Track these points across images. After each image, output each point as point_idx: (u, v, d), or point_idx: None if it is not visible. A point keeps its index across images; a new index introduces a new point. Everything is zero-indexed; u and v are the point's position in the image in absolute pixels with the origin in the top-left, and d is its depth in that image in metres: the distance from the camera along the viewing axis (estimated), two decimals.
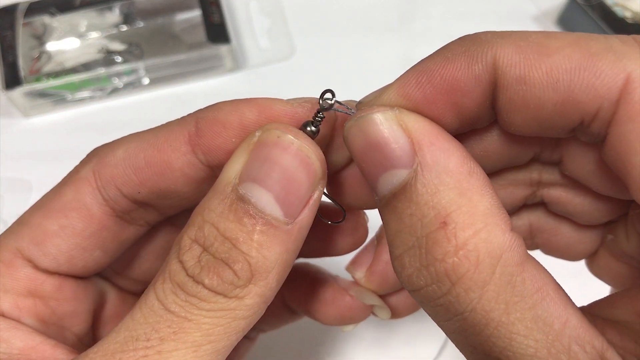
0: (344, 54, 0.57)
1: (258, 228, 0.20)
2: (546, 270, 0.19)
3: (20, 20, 0.54)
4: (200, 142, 0.23)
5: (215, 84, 0.55)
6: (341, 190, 0.25)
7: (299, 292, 0.31)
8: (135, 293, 0.30)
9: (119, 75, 0.53)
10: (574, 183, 0.25)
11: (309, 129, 0.22)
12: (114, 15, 0.55)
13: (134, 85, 0.54)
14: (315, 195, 0.21)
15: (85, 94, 0.54)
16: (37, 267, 0.25)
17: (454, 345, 0.21)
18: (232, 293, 0.20)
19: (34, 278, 0.25)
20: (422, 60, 0.21)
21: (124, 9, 0.55)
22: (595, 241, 0.27)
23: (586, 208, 0.25)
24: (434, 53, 0.21)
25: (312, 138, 0.22)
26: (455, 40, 0.21)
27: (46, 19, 0.54)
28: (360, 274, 0.29)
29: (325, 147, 0.24)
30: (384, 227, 0.21)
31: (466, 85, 0.20)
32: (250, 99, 0.23)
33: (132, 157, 0.24)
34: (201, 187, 0.24)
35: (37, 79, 0.51)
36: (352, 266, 0.30)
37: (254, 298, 0.21)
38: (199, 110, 0.24)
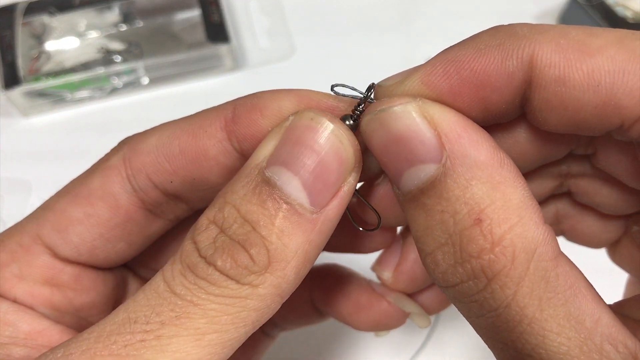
0: (344, 54, 0.57)
1: (281, 213, 0.19)
2: (576, 266, 0.19)
3: (19, 20, 0.54)
4: (236, 129, 0.22)
5: (215, 84, 0.55)
6: (375, 205, 0.24)
7: (329, 293, 0.30)
8: None
9: (118, 74, 0.53)
10: (602, 174, 0.24)
11: (347, 122, 0.21)
12: (113, 14, 0.55)
13: (133, 85, 0.54)
14: (346, 187, 0.20)
15: (84, 93, 0.53)
16: (56, 255, 0.24)
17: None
18: (245, 279, 0.19)
19: (52, 266, 0.24)
20: (450, 48, 0.20)
21: (123, 8, 0.55)
22: (618, 230, 0.27)
23: (613, 200, 0.24)
24: (464, 42, 0.20)
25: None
26: (488, 30, 0.20)
27: (45, 18, 0.54)
28: (387, 274, 0.28)
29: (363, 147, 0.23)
30: (410, 223, 0.20)
31: (497, 82, 0.19)
32: (291, 89, 0.22)
33: (165, 145, 0.23)
34: (229, 177, 0.23)
35: (37, 79, 0.51)
36: (378, 266, 0.29)
37: (268, 288, 0.19)
38: (237, 98, 0.23)
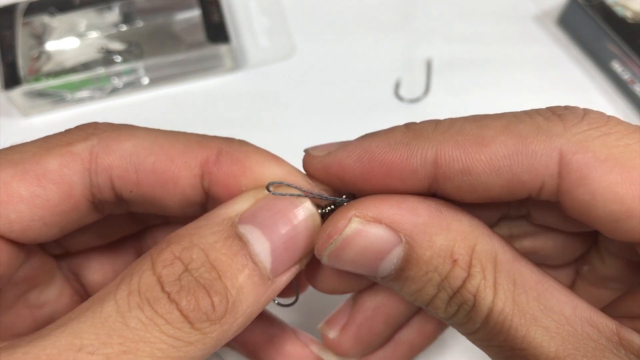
0: (344, 54, 0.57)
1: (247, 270, 0.20)
2: (540, 269, 0.21)
3: (19, 20, 0.54)
4: (215, 173, 0.23)
5: (215, 84, 0.55)
6: (318, 277, 0.26)
7: (254, 340, 0.30)
8: (55, 255, 0.28)
9: (118, 74, 0.53)
10: (543, 230, 0.26)
11: (320, 211, 0.23)
12: (113, 14, 0.55)
13: (133, 85, 0.54)
14: (298, 266, 0.22)
15: (84, 93, 0.53)
16: None
17: None
18: (200, 324, 0.19)
19: None
20: (367, 137, 0.22)
21: (123, 8, 0.55)
22: (569, 277, 0.28)
23: (558, 249, 0.27)
24: (379, 133, 0.22)
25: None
26: (401, 127, 0.22)
27: (46, 18, 0.54)
28: (334, 334, 0.28)
29: None
30: (399, 293, 0.23)
31: (402, 175, 0.22)
32: (278, 158, 0.24)
33: (140, 157, 0.23)
34: (186, 209, 0.24)
35: (37, 79, 0.51)
36: (325, 325, 0.29)
37: (213, 340, 0.20)
38: (224, 139, 0.24)
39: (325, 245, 0.22)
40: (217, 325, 0.20)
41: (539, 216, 0.26)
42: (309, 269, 0.26)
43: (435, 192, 0.22)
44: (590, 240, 0.27)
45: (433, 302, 0.22)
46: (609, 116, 0.21)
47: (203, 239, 0.20)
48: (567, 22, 0.56)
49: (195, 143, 0.23)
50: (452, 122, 0.22)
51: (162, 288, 0.19)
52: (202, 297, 0.19)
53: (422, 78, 0.55)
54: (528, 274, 0.21)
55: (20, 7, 0.54)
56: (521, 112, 0.21)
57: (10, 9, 0.54)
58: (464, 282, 0.21)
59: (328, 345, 0.29)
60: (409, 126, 0.22)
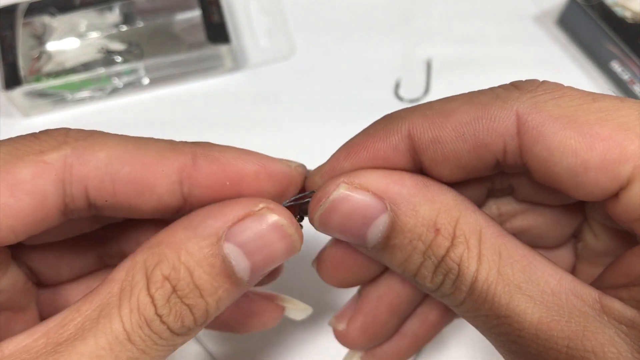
0: (344, 54, 0.57)
1: (226, 286, 0.22)
2: (527, 245, 0.23)
3: (20, 20, 0.54)
4: (194, 176, 0.23)
5: (215, 84, 0.55)
6: (326, 270, 0.28)
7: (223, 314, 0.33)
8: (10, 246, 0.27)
9: (118, 75, 0.53)
10: (531, 208, 0.28)
11: (298, 216, 0.25)
12: (113, 15, 0.55)
13: (133, 85, 0.54)
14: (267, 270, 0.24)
15: (85, 94, 0.54)
16: None
17: None
18: (185, 335, 0.22)
19: None
20: (349, 139, 0.25)
21: (123, 8, 0.55)
22: (568, 260, 0.29)
23: (549, 226, 0.28)
24: (362, 131, 0.25)
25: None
26: (379, 119, 0.25)
27: (46, 18, 0.54)
28: (342, 326, 0.30)
29: None
30: (388, 263, 0.24)
31: (386, 154, 0.23)
32: (253, 152, 0.25)
33: (115, 166, 0.23)
34: (163, 213, 0.24)
35: (37, 79, 0.51)
36: (334, 319, 0.31)
37: (194, 335, 0.23)
38: (195, 143, 0.24)
39: (315, 209, 0.24)
40: (198, 328, 0.23)
41: (521, 191, 0.27)
42: (320, 263, 0.28)
43: (420, 169, 0.24)
44: (580, 214, 0.27)
45: (420, 272, 0.23)
46: (565, 85, 0.22)
47: (190, 256, 0.22)
48: (567, 22, 0.57)
49: (169, 150, 0.23)
50: (423, 104, 0.24)
51: (156, 310, 0.21)
52: (186, 316, 0.22)
53: (422, 78, 0.55)
54: (513, 248, 0.22)
55: (21, 7, 0.54)
56: (484, 89, 0.23)
57: (10, 9, 0.54)
58: (448, 250, 0.22)
59: (337, 338, 0.30)
60: (385, 116, 0.25)
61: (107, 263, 0.30)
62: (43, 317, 0.30)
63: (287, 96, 0.55)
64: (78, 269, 0.30)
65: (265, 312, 0.33)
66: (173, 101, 0.54)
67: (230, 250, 0.22)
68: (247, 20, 0.59)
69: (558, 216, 0.27)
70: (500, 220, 0.28)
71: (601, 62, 0.54)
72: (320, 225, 0.24)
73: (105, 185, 0.23)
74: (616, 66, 0.53)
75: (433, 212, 0.22)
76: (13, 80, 0.51)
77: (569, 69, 0.56)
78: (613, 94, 0.22)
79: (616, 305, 0.20)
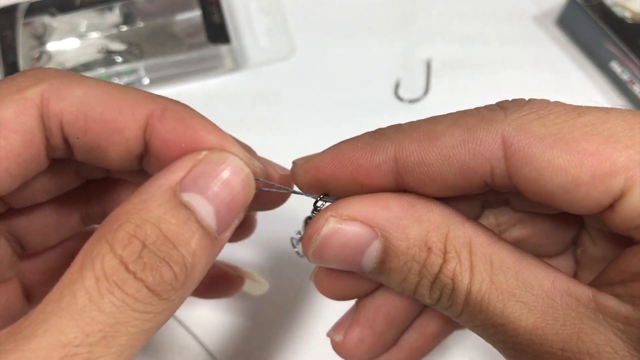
0: (344, 54, 0.57)
1: (197, 236, 0.22)
2: (521, 249, 0.23)
3: (20, 20, 0.54)
4: (158, 126, 0.24)
5: (216, 84, 0.55)
6: (324, 284, 0.28)
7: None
8: None
9: (119, 75, 0.53)
10: (528, 217, 0.28)
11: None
12: (114, 15, 0.55)
13: (134, 85, 0.54)
14: (237, 221, 0.24)
15: None
16: None
17: None
18: (166, 294, 0.21)
19: None
20: (340, 142, 0.25)
21: (124, 9, 0.55)
22: (569, 268, 0.29)
23: (548, 234, 0.28)
24: (350, 139, 0.25)
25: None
26: (370, 132, 0.25)
27: (46, 19, 0.54)
28: (339, 337, 0.30)
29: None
30: (387, 284, 0.25)
31: (368, 170, 0.24)
32: (220, 130, 0.25)
33: (90, 104, 0.23)
34: (126, 162, 0.25)
35: None
36: (332, 331, 0.31)
37: (179, 302, 0.21)
38: (172, 100, 0.25)
39: (308, 246, 0.24)
40: (181, 291, 0.21)
41: (516, 201, 0.27)
42: (317, 278, 0.28)
43: (404, 187, 0.24)
44: (578, 222, 0.27)
45: (418, 290, 0.23)
46: (551, 101, 0.22)
47: (152, 212, 0.21)
48: (567, 22, 0.57)
49: (144, 97, 0.24)
50: (412, 123, 0.24)
51: (127, 269, 0.20)
52: (165, 270, 0.20)
53: (422, 78, 0.55)
54: (505, 254, 0.22)
55: (21, 7, 0.54)
56: (471, 109, 0.23)
57: (11, 10, 0.54)
58: (441, 267, 0.22)
59: (335, 349, 0.30)
60: (376, 130, 0.25)
61: (90, 224, 0.31)
62: (26, 287, 0.30)
63: (287, 96, 0.55)
64: (63, 231, 0.30)
65: (227, 280, 0.35)
66: None
67: (190, 197, 0.22)
68: (247, 20, 0.59)
69: (556, 224, 0.27)
70: (498, 230, 0.28)
71: (601, 62, 0.54)
72: (315, 260, 0.25)
73: (79, 121, 0.23)
74: (616, 66, 0.53)
75: (422, 231, 0.23)
76: None
77: (569, 69, 0.56)
78: (599, 105, 0.22)
79: (611, 303, 0.20)
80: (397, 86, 0.54)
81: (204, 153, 0.23)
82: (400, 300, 0.28)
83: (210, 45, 0.53)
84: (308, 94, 0.54)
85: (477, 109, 0.23)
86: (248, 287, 0.36)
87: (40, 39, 0.53)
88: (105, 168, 0.26)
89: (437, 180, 0.23)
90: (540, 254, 0.28)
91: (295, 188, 0.27)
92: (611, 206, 0.21)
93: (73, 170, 0.28)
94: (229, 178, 0.23)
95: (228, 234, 0.23)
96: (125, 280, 0.20)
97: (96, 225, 0.30)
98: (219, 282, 0.35)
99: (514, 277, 0.22)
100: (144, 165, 0.25)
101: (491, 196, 0.27)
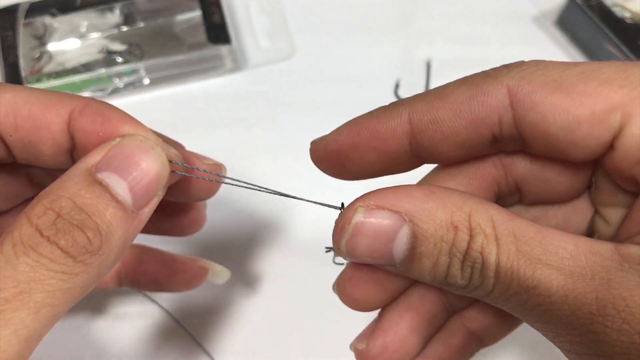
0: (344, 54, 0.57)
1: (111, 208, 0.23)
2: (538, 223, 0.24)
3: (21, 21, 0.54)
4: (79, 120, 0.26)
5: (216, 84, 0.56)
6: (348, 295, 0.28)
7: (153, 273, 0.38)
8: None
9: (119, 75, 0.53)
10: (542, 212, 0.29)
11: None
12: (114, 15, 0.55)
13: (134, 86, 0.54)
14: (156, 199, 0.26)
15: (86, 94, 0.54)
16: None
17: None
18: (81, 257, 0.22)
19: None
20: (354, 118, 0.27)
21: (124, 9, 0.55)
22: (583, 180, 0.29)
23: (563, 227, 0.28)
24: (368, 112, 0.27)
25: None
26: (385, 105, 0.27)
27: (47, 19, 0.54)
28: (362, 345, 0.30)
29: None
30: (417, 275, 0.25)
31: (385, 135, 0.26)
32: (139, 122, 0.27)
33: (19, 104, 0.26)
34: (58, 157, 0.27)
35: (38, 79, 0.52)
36: (355, 341, 0.31)
37: (96, 268, 0.23)
38: (94, 99, 0.27)
39: (340, 237, 0.25)
40: (97, 255, 0.23)
41: (528, 190, 0.28)
42: (340, 288, 0.28)
43: (419, 150, 0.26)
44: (590, 207, 0.28)
45: (450, 272, 0.24)
46: (549, 60, 0.24)
47: (68, 189, 0.23)
48: (566, 23, 0.57)
49: (67, 97, 0.27)
50: (422, 93, 0.26)
51: (41, 234, 0.22)
52: (77, 234, 0.22)
53: (422, 78, 0.55)
54: (526, 227, 0.23)
55: (22, 7, 0.54)
56: (480, 72, 0.25)
57: (11, 10, 0.54)
58: (469, 243, 0.23)
59: (358, 358, 0.30)
60: (390, 103, 0.27)
61: (37, 183, 0.34)
62: None
63: (287, 96, 0.55)
64: (14, 193, 0.33)
65: (189, 270, 0.38)
66: (173, 101, 0.54)
67: (104, 176, 0.24)
68: (248, 20, 0.59)
69: (569, 216, 0.28)
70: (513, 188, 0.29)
71: None
72: (349, 253, 0.25)
73: (9, 119, 0.26)
74: None
75: (447, 212, 0.24)
76: (14, 81, 0.51)
77: None
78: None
79: (633, 250, 0.22)
80: (397, 86, 0.54)
81: (118, 139, 0.26)
82: (423, 306, 0.29)
83: (211, 46, 0.53)
84: (308, 94, 0.55)
85: (482, 71, 0.25)
86: (210, 277, 0.39)
87: (41, 39, 0.54)
88: (44, 167, 0.29)
89: (449, 137, 0.25)
90: (555, 203, 0.29)
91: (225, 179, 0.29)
92: (612, 145, 0.23)
93: (24, 178, 0.32)
94: (141, 157, 0.25)
95: (147, 210, 0.25)
96: (39, 244, 0.22)
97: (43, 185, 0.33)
98: (181, 272, 0.38)
99: (538, 245, 0.23)
100: (75, 160, 0.28)
101: (503, 185, 0.28)
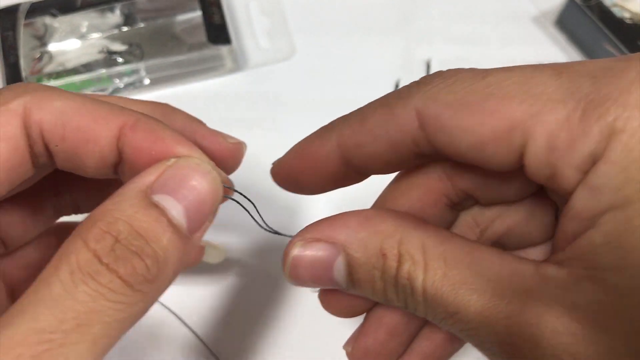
0: (344, 54, 0.57)
1: (168, 233, 0.23)
2: (473, 241, 0.25)
3: (21, 21, 0.54)
4: (130, 136, 0.25)
5: (216, 85, 0.56)
6: (329, 303, 0.29)
7: None
8: None
9: (119, 75, 0.53)
10: (504, 210, 0.28)
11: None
12: (114, 16, 0.55)
13: (134, 86, 0.54)
14: (207, 224, 0.25)
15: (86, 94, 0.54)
16: None
17: None
18: (139, 286, 0.21)
19: None
20: (299, 141, 0.28)
21: (124, 9, 0.55)
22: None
23: (529, 222, 0.28)
24: (311, 134, 0.28)
25: None
26: (318, 129, 0.27)
27: (47, 19, 0.54)
28: (348, 348, 0.31)
29: None
30: (367, 296, 0.26)
31: (320, 160, 0.26)
32: (191, 143, 0.26)
33: (68, 115, 0.25)
34: (102, 169, 0.26)
35: (39, 80, 0.52)
36: (346, 343, 0.32)
37: (151, 297, 0.22)
38: (144, 114, 0.26)
39: (284, 269, 0.26)
40: (154, 284, 0.22)
41: (479, 194, 0.28)
42: (321, 296, 0.29)
43: (355, 170, 0.26)
44: (551, 203, 0.28)
45: (388, 296, 0.25)
46: (463, 68, 0.24)
47: (124, 212, 0.22)
48: (566, 23, 0.57)
49: (117, 110, 0.26)
50: (352, 111, 0.26)
51: (100, 261, 0.21)
52: (137, 262, 0.21)
53: None
54: (458, 249, 0.24)
55: (22, 8, 0.54)
56: (393, 90, 0.26)
57: (12, 10, 0.54)
58: (397, 270, 0.24)
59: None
60: (323, 127, 0.27)
61: (62, 214, 0.33)
62: (8, 286, 0.31)
63: (287, 96, 0.55)
64: (39, 223, 0.32)
65: None
66: (174, 101, 0.54)
67: (160, 198, 0.23)
68: (248, 21, 0.59)
69: (532, 209, 0.28)
70: (480, 230, 0.29)
71: None
72: (292, 281, 0.27)
73: (57, 129, 0.25)
74: None
75: (378, 240, 0.24)
76: (15, 81, 0.51)
77: None
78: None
79: (550, 271, 0.21)
80: (397, 86, 0.55)
81: (172, 160, 0.25)
82: (397, 309, 0.29)
83: (211, 46, 0.53)
84: (308, 94, 0.55)
85: (398, 89, 0.25)
86: (206, 257, 0.38)
87: (42, 39, 0.54)
88: (83, 175, 0.27)
89: (375, 158, 0.25)
90: (529, 244, 0.29)
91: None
92: (522, 162, 0.22)
93: (51, 210, 0.31)
94: (197, 180, 0.24)
95: (199, 234, 0.25)
96: (98, 271, 0.21)
97: (68, 217, 0.33)
98: None
99: (467, 268, 0.23)
100: (119, 174, 0.27)
101: (452, 195, 0.28)
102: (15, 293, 0.32)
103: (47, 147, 0.26)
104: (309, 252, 0.25)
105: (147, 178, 0.24)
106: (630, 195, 0.19)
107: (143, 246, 0.22)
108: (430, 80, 0.24)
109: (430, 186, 0.28)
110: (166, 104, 0.32)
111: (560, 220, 0.23)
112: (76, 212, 0.34)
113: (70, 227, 0.33)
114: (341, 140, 0.26)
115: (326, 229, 0.26)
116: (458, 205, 0.29)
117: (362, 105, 0.27)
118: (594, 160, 0.20)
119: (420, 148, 0.24)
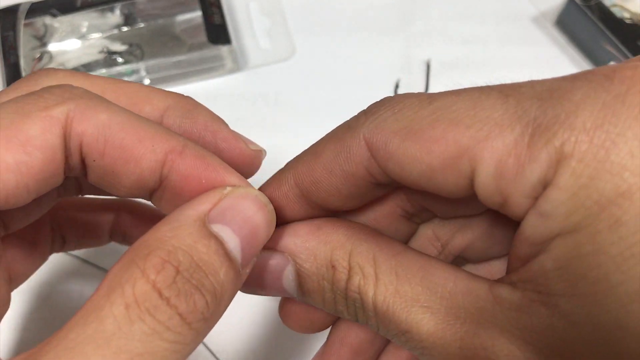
0: (344, 54, 0.57)
1: (225, 267, 0.21)
2: (424, 253, 0.24)
3: (21, 21, 0.54)
4: (178, 162, 0.24)
5: (216, 85, 0.56)
6: (289, 319, 0.29)
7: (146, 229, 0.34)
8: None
9: (120, 75, 0.54)
10: (465, 223, 0.28)
11: None
12: (115, 16, 0.55)
13: None
14: (256, 258, 0.24)
15: None
16: None
17: None
18: (197, 324, 0.20)
19: None
20: (268, 179, 0.27)
21: (124, 9, 0.55)
22: None
23: (491, 234, 0.27)
24: (269, 179, 0.27)
25: None
26: (278, 170, 0.27)
27: (47, 19, 0.54)
28: None
29: None
30: (319, 307, 0.26)
31: (282, 201, 0.25)
32: (233, 171, 0.25)
33: (112, 130, 0.23)
34: (135, 191, 0.25)
35: None
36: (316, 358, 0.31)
37: (204, 333, 0.21)
38: (187, 139, 0.25)
39: None
40: (210, 322, 0.21)
41: (439, 210, 0.27)
42: (280, 311, 0.29)
43: (318, 206, 0.25)
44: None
45: (338, 308, 0.24)
46: (411, 93, 0.23)
47: (183, 240, 0.21)
48: (565, 23, 0.57)
49: (165, 132, 0.24)
50: (307, 148, 0.26)
51: (160, 295, 0.19)
52: (198, 298, 0.20)
53: (422, 79, 0.55)
54: (410, 262, 0.23)
55: (22, 8, 0.55)
56: (344, 122, 0.25)
57: (12, 10, 0.54)
58: (347, 283, 0.23)
59: None
60: (282, 167, 0.26)
61: (63, 194, 0.31)
62: (5, 266, 0.30)
63: (287, 96, 0.55)
64: (44, 204, 0.29)
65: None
66: None
67: (218, 229, 0.22)
68: (248, 21, 0.59)
69: (493, 222, 0.27)
70: (440, 243, 0.28)
71: (599, 63, 0.55)
72: (245, 288, 0.25)
73: (98, 144, 0.23)
74: None
75: (327, 251, 0.24)
76: (15, 81, 0.51)
77: (568, 69, 0.56)
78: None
79: (503, 292, 0.21)
80: (396, 86, 0.55)
81: (228, 188, 0.24)
82: (360, 327, 0.28)
83: (211, 46, 0.54)
84: (308, 95, 0.55)
85: (346, 121, 0.25)
86: None
87: (42, 39, 0.54)
88: (114, 194, 0.26)
89: (333, 193, 0.24)
90: (493, 257, 0.28)
91: None
92: (472, 188, 0.21)
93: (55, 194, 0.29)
94: (254, 213, 0.23)
95: (248, 270, 0.23)
96: (158, 307, 0.19)
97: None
98: None
99: (419, 283, 0.22)
100: (153, 199, 0.25)
101: (408, 206, 0.27)
102: (12, 273, 0.29)
103: (83, 161, 0.24)
104: (258, 261, 0.24)
105: (204, 206, 0.22)
106: (579, 222, 0.18)
107: (203, 280, 0.20)
108: (378, 108, 0.23)
109: (384, 196, 0.27)
110: (190, 97, 0.30)
111: (513, 241, 0.22)
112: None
113: (71, 206, 0.32)
114: (298, 178, 0.25)
115: (276, 236, 0.25)
116: (415, 216, 0.28)
117: (362, 105, 0.27)
118: (543, 186, 0.19)
119: (376, 178, 0.23)
